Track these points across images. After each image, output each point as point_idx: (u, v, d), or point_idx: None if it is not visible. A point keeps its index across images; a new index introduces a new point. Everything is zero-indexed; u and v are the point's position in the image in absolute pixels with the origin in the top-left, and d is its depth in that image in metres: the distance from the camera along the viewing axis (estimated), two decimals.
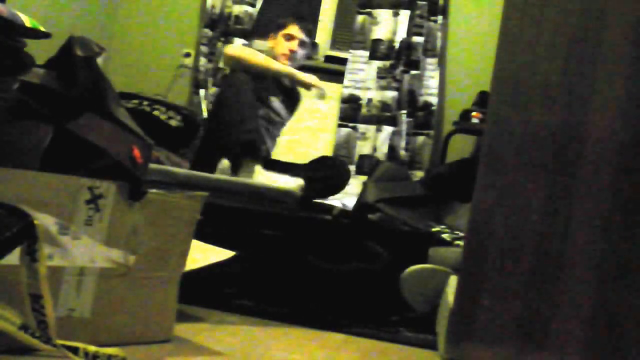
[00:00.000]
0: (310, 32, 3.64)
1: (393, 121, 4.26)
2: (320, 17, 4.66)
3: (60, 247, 1.24)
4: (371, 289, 2.13)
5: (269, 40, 3.59)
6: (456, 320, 1.43)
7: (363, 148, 4.29)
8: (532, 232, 1.32)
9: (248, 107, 3.12)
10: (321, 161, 3.29)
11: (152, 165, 2.18)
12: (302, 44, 3.53)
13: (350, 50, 4.39)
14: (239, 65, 3.38)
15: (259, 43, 4.42)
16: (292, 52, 3.49)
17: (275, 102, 3.43)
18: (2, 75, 1.26)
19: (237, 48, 3.52)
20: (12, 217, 1.14)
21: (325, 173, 3.12)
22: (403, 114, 4.26)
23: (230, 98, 3.15)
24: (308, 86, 3.43)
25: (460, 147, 4.14)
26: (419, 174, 4.14)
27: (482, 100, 3.99)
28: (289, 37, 3.50)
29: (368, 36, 4.36)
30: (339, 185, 3.16)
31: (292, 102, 3.57)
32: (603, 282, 1.23)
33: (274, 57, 3.50)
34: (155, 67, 4.57)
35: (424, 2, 4.30)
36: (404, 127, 4.26)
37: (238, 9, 4.47)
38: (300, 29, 3.53)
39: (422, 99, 4.29)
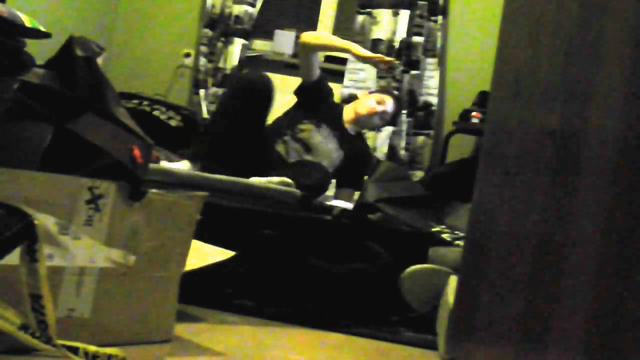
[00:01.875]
0: (397, 115, 3.70)
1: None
2: (320, 17, 4.66)
3: (60, 247, 1.24)
4: (371, 288, 2.12)
5: (361, 92, 3.68)
6: (456, 320, 1.43)
7: None
8: (533, 232, 1.32)
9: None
10: (299, 165, 3.32)
11: (152, 165, 2.18)
12: (384, 114, 3.55)
13: None
14: (314, 51, 3.42)
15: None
16: (375, 112, 3.51)
17: (325, 131, 3.46)
18: (2, 75, 1.26)
19: (308, 35, 3.47)
20: (12, 217, 1.14)
21: (305, 178, 3.14)
22: (403, 114, 4.26)
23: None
24: (373, 62, 3.42)
25: (460, 147, 4.14)
26: (419, 174, 4.14)
27: (482, 100, 3.99)
28: (380, 101, 3.54)
29: (368, 36, 4.36)
30: (319, 189, 3.18)
31: (345, 143, 3.57)
32: (603, 282, 1.23)
33: (355, 108, 3.55)
34: (155, 67, 4.57)
35: (424, 2, 4.30)
36: (404, 127, 4.26)
37: (238, 9, 4.47)
38: (393, 103, 3.57)
39: (422, 99, 4.29)
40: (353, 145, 3.57)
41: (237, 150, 3.13)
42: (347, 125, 3.56)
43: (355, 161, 3.58)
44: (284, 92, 3.87)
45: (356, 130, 3.62)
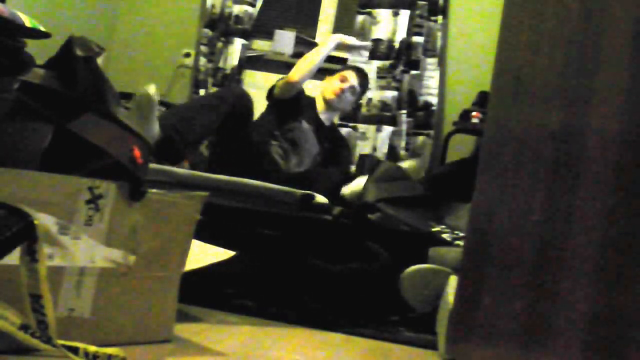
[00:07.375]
0: (365, 85, 3.76)
1: (393, 121, 4.26)
2: (320, 17, 4.66)
3: (60, 247, 1.24)
4: (371, 289, 2.13)
5: (324, 79, 3.74)
6: (456, 320, 1.43)
7: (363, 148, 4.29)
8: (532, 232, 1.32)
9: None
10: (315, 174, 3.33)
11: (152, 165, 2.18)
12: (352, 89, 3.62)
13: None
14: (300, 85, 3.50)
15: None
16: (342, 91, 3.58)
17: (305, 126, 3.48)
18: (2, 75, 1.26)
19: (294, 73, 3.51)
20: (12, 217, 1.14)
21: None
22: (403, 114, 4.26)
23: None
24: (354, 49, 3.64)
25: (460, 147, 4.14)
26: None
27: (482, 100, 3.99)
28: (343, 79, 3.63)
29: (368, 36, 4.36)
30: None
31: (322, 136, 3.61)
32: (603, 282, 1.23)
33: (323, 95, 3.63)
34: (155, 67, 4.57)
35: (424, 2, 4.30)
36: (404, 127, 4.26)
37: (238, 9, 4.46)
38: (356, 76, 3.66)
39: (422, 99, 4.29)
40: (328, 136, 3.63)
41: (235, 160, 3.13)
42: (321, 116, 3.61)
43: (333, 152, 3.64)
44: None
45: (331, 120, 3.69)
